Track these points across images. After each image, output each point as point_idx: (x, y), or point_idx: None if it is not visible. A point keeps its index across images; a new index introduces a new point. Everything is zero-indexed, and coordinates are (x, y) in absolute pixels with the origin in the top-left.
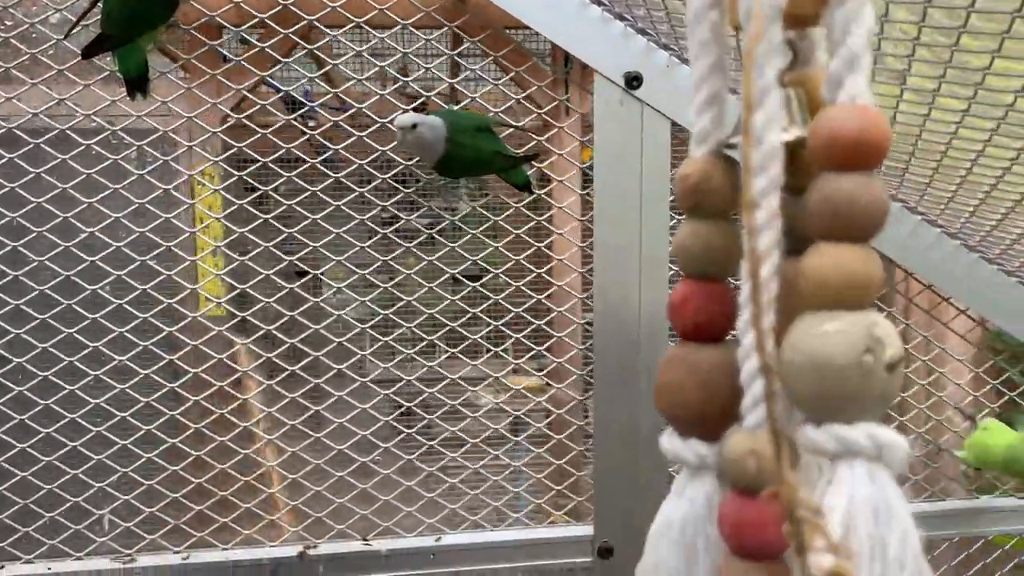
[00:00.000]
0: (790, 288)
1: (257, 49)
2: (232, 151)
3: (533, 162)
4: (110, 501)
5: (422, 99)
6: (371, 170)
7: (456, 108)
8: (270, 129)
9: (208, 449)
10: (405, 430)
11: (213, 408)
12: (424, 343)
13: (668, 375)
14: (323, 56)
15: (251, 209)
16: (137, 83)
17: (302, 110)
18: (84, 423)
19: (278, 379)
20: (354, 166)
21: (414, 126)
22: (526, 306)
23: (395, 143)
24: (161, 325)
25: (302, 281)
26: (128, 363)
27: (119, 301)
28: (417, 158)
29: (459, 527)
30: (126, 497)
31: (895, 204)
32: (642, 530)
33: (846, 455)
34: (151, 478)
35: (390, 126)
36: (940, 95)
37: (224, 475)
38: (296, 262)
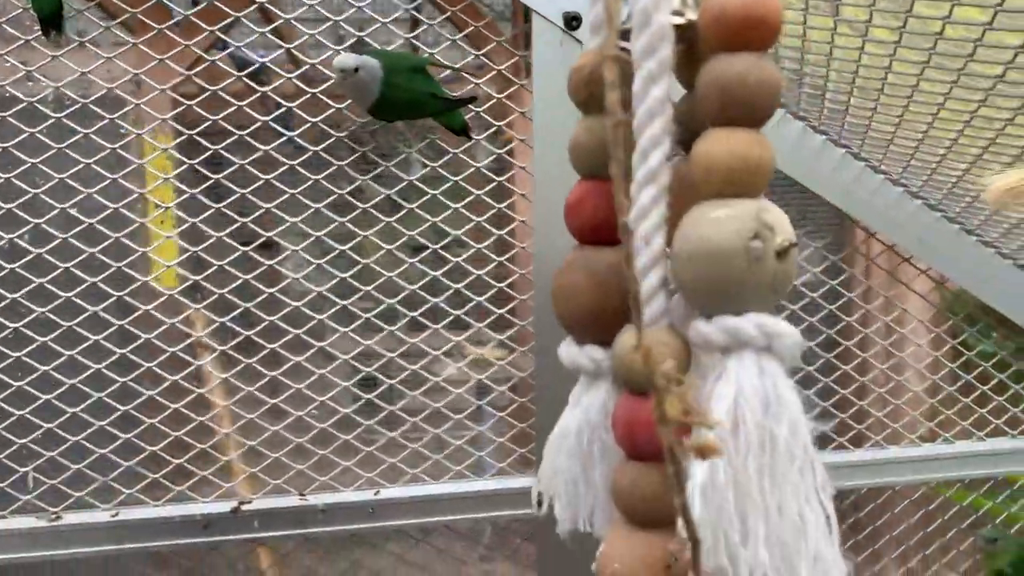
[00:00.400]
0: (686, 185)
1: (206, 3)
2: (181, 108)
3: (502, 129)
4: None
5: (354, 38)
6: (327, 128)
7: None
8: (221, 85)
9: (161, 417)
10: (364, 395)
11: (166, 375)
12: (383, 306)
13: (564, 279)
14: (275, 11)
15: (202, 170)
16: (51, 21)
17: (251, 67)
18: (33, 391)
19: (232, 344)
20: (307, 124)
21: (356, 69)
22: (486, 270)
23: (348, 102)
24: (110, 291)
25: (256, 244)
26: (77, 328)
27: (66, 265)
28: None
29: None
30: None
31: (859, 163)
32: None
33: (736, 347)
34: (105, 445)
35: (327, 71)
36: (873, 26)
37: (179, 443)
38: (252, 225)
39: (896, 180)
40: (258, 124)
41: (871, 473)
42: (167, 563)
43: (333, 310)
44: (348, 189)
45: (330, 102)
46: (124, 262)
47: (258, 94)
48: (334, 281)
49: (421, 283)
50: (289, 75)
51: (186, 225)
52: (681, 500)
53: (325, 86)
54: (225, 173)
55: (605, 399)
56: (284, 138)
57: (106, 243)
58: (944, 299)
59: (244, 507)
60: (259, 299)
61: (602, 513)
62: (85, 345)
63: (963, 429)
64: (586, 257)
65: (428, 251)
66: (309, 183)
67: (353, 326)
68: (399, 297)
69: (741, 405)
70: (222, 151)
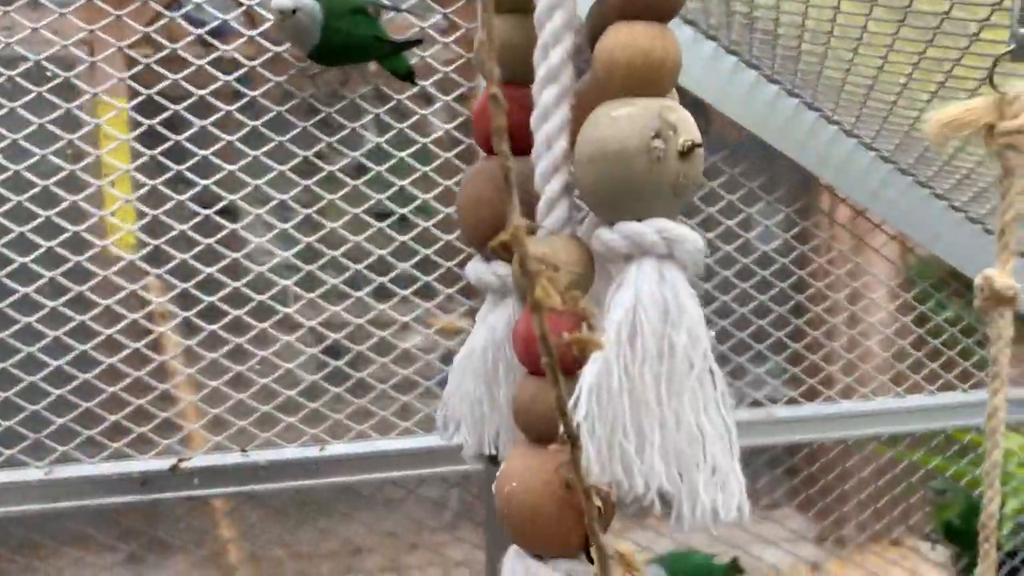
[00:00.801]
0: (594, 88)
1: None
2: (138, 68)
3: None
4: None
5: None
6: (290, 88)
7: None
8: (179, 45)
9: (122, 385)
10: (332, 360)
11: (126, 343)
12: (350, 272)
13: (469, 189)
14: None
15: (161, 130)
16: None
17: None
18: None
19: (194, 311)
20: (271, 83)
21: (294, 11)
22: (455, 235)
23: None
24: (68, 255)
25: (216, 208)
26: (34, 295)
27: (21, 229)
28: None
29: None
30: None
31: (813, 113)
32: None
33: (637, 254)
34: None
35: (267, 13)
36: None
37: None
38: (214, 188)
39: (850, 131)
40: (218, 84)
41: (825, 427)
42: (109, 522)
43: (297, 277)
44: (311, 152)
45: (291, 59)
46: (82, 226)
47: (216, 54)
48: (298, 247)
49: (388, 249)
50: (248, 33)
51: (145, 189)
52: (557, 393)
53: (286, 47)
54: (185, 135)
55: (511, 316)
56: (244, 99)
57: (63, 205)
58: (909, 267)
59: (184, 464)
60: (220, 265)
61: (507, 435)
62: (42, 313)
63: (917, 384)
64: (491, 168)
65: (394, 216)
66: (271, 145)
67: (318, 293)
68: (365, 263)
69: (639, 313)
70: (183, 112)
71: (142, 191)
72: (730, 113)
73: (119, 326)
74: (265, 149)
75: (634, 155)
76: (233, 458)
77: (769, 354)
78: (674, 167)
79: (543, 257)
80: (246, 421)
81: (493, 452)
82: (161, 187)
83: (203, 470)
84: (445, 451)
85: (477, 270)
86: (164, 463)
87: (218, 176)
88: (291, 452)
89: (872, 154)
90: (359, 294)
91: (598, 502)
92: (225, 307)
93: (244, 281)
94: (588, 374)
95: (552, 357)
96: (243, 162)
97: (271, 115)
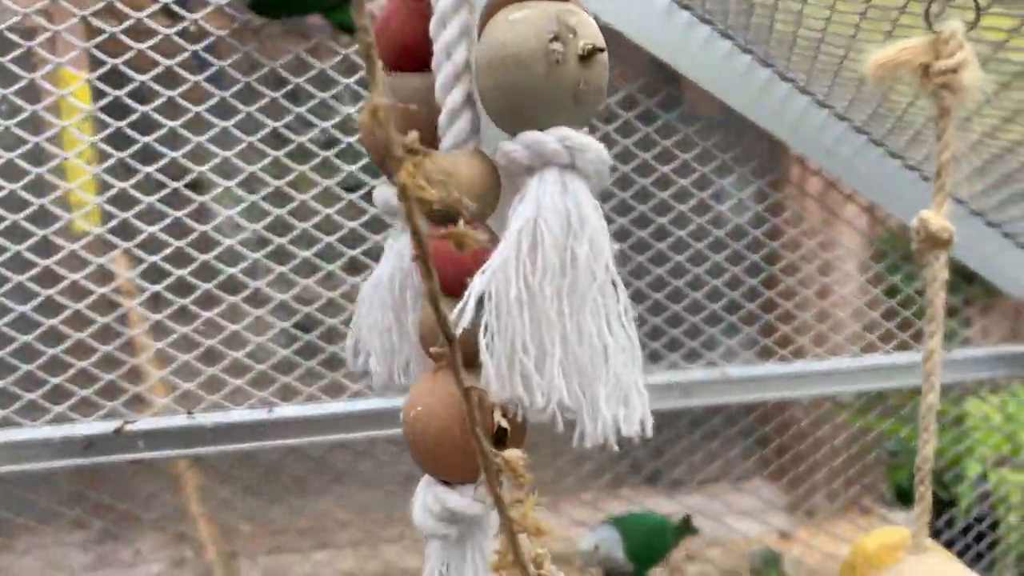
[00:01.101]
0: None
1: None
2: (102, 37)
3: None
4: None
5: None
6: (259, 57)
7: None
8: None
9: (92, 362)
10: (302, 334)
11: (94, 317)
12: (320, 244)
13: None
14: None
15: (127, 101)
16: None
17: None
18: None
19: (163, 285)
20: (239, 54)
21: None
22: None
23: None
24: (33, 229)
25: (184, 181)
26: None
27: None
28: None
29: None
30: None
31: (768, 70)
32: None
33: (539, 165)
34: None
35: None
36: None
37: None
38: (180, 159)
39: (804, 88)
40: (185, 55)
41: (779, 386)
42: (78, 498)
43: (267, 250)
44: (281, 123)
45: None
46: (46, 199)
47: (182, 24)
48: (268, 219)
49: (359, 221)
50: (214, 2)
51: (111, 161)
52: (429, 286)
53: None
54: (151, 106)
55: None
56: (211, 69)
57: (26, 179)
58: (880, 236)
59: (128, 427)
60: (189, 239)
61: (418, 364)
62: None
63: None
64: (391, 84)
65: (365, 188)
66: (240, 116)
67: (289, 266)
68: (336, 236)
69: (540, 224)
70: (149, 83)
71: (107, 163)
72: (703, 83)
73: (87, 301)
74: (233, 121)
75: (532, 59)
76: (179, 420)
77: (741, 325)
78: (574, 72)
79: (443, 171)
80: (194, 382)
81: (404, 382)
82: (128, 159)
83: (148, 433)
84: (394, 413)
85: (384, 195)
86: (108, 426)
87: (185, 148)
88: (238, 414)
89: (845, 124)
90: (330, 267)
91: (504, 422)
92: (194, 280)
93: (213, 255)
94: (477, 283)
95: (424, 249)
96: (211, 133)
97: (239, 86)
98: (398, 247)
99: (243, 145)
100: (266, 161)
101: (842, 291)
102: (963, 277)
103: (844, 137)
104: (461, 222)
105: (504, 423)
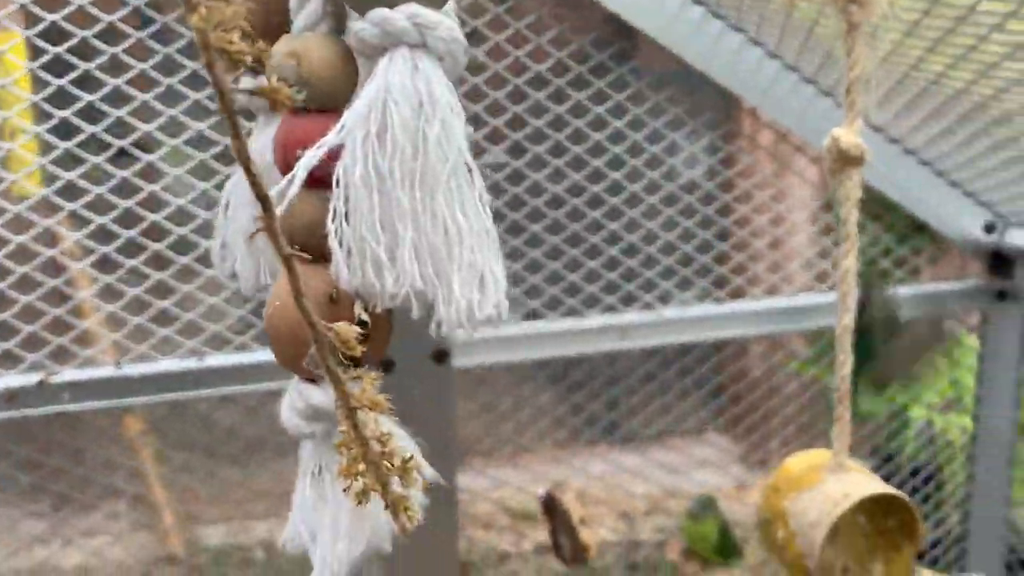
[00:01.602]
0: None
1: None
2: None
3: None
4: None
5: None
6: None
7: None
8: None
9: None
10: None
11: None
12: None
13: None
14: None
15: (68, 58)
16: None
17: None
18: None
19: (113, 247)
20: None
21: None
22: None
23: None
24: None
25: (130, 140)
26: None
27: None
28: None
29: None
30: None
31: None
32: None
33: (390, 44)
34: None
35: None
36: None
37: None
38: (126, 117)
39: (755, 39)
40: (127, 10)
41: (713, 327)
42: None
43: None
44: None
45: None
46: None
47: None
48: (217, 178)
49: None
50: None
51: (54, 121)
52: (237, 145)
53: None
54: (95, 64)
55: None
56: (156, 25)
57: None
58: (828, 193)
59: (52, 379)
60: (137, 199)
61: None
62: None
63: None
64: None
65: None
66: (186, 72)
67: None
68: None
69: (389, 105)
70: (91, 39)
71: (49, 123)
72: (656, 36)
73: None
74: (179, 77)
75: None
76: (105, 372)
77: (695, 279)
78: None
79: (293, 53)
80: (120, 332)
81: (270, 282)
82: (72, 118)
83: (73, 384)
84: None
85: (245, 86)
86: (32, 378)
87: (130, 107)
88: (167, 364)
89: (796, 75)
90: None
91: (364, 315)
92: (144, 241)
93: (163, 214)
94: (305, 159)
95: (228, 104)
96: (156, 91)
97: (184, 41)
98: (263, 140)
99: (189, 102)
100: (215, 119)
101: (793, 240)
102: (915, 228)
103: (795, 88)
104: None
105: (364, 316)
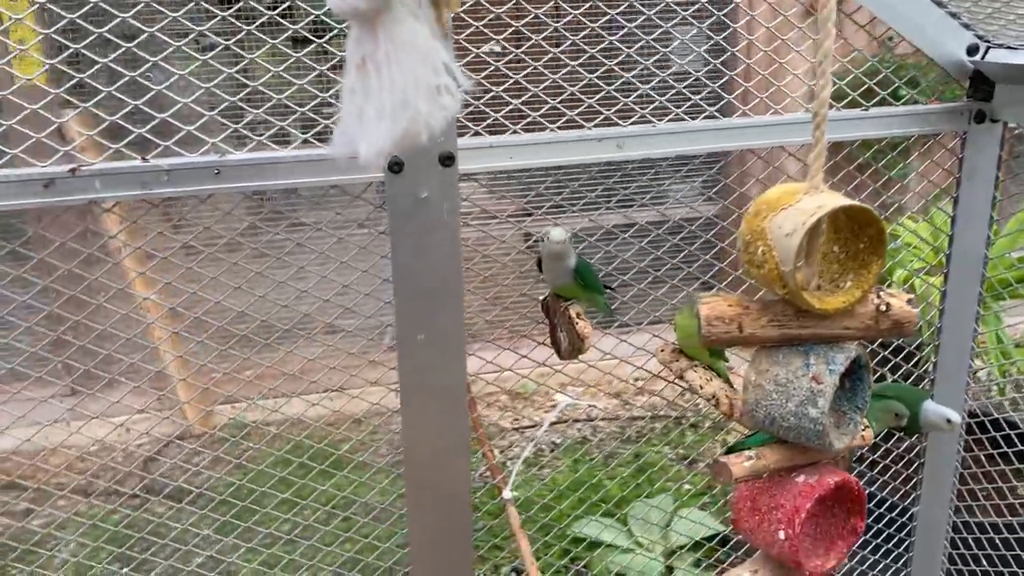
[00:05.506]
0: None
1: None
2: None
3: None
4: None
5: None
6: None
7: None
8: None
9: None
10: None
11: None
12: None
13: None
14: None
15: None
16: None
17: None
18: None
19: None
20: None
21: None
22: None
23: None
24: None
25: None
26: None
27: None
28: None
29: None
30: None
31: None
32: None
33: None
34: None
35: None
36: None
37: None
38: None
39: None
40: None
41: (710, 139)
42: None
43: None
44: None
45: None
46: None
47: None
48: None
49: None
50: None
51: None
52: None
53: None
54: None
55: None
56: None
57: None
58: None
59: (84, 168)
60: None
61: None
62: None
63: None
64: None
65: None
66: None
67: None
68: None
69: None
70: None
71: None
72: None
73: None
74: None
75: None
76: (134, 163)
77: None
78: None
79: None
80: (144, 128)
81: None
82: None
83: (104, 173)
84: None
85: None
86: (65, 168)
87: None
88: (192, 158)
89: None
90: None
91: None
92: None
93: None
94: None
95: None
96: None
97: None
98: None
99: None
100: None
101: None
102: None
103: None
104: None
105: None
